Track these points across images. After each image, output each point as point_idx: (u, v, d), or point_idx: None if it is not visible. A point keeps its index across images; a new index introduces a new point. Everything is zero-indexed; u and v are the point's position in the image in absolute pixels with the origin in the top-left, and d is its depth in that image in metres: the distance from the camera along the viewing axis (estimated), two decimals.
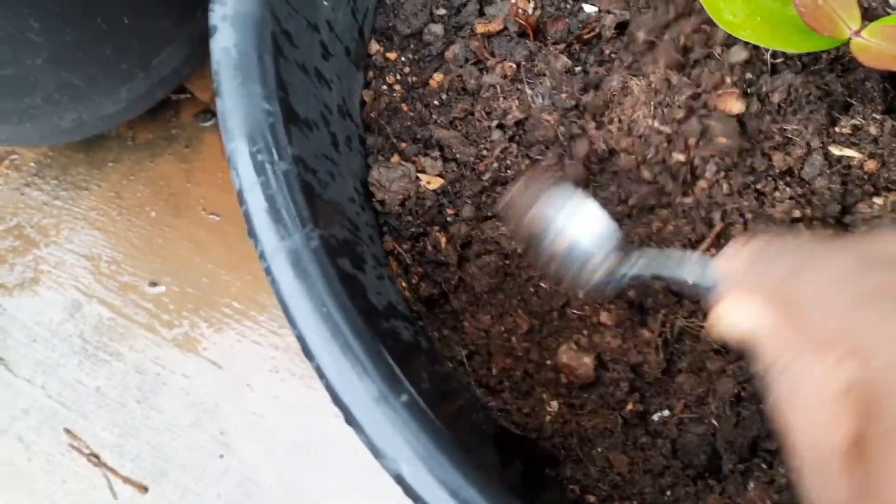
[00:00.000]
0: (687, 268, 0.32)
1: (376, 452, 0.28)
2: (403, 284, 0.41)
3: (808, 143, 0.40)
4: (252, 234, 0.30)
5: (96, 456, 0.71)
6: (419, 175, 0.42)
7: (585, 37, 0.44)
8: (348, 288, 0.30)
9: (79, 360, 0.74)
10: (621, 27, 0.45)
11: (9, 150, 0.80)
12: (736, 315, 0.29)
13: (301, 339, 0.29)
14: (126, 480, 0.71)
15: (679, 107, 0.40)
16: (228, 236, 0.77)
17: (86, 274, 0.76)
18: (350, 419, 0.28)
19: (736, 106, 0.40)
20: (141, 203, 0.78)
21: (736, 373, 0.40)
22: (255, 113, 0.30)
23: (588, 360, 0.41)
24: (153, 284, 0.75)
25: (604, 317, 0.42)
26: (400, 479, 0.27)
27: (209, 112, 0.80)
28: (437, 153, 0.43)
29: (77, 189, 0.79)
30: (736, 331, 0.29)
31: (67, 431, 0.72)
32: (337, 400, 0.28)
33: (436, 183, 0.42)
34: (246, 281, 0.75)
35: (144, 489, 0.70)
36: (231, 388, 0.72)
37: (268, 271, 0.30)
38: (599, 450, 0.40)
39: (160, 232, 0.77)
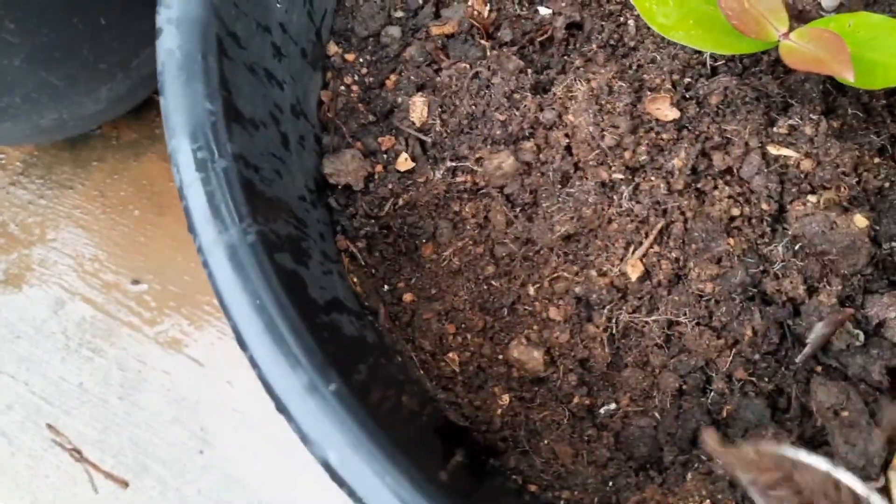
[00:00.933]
0: None
1: (304, 439, 0.29)
2: (355, 280, 0.42)
3: (746, 143, 0.40)
4: (191, 228, 0.31)
5: (78, 451, 0.72)
6: (395, 158, 0.43)
7: (539, 39, 0.45)
8: (285, 282, 0.31)
9: (62, 356, 0.75)
10: (574, 27, 0.46)
11: None
12: None
13: (235, 331, 0.30)
14: (107, 475, 0.72)
15: (619, 114, 0.41)
16: None
17: (69, 272, 0.77)
18: (280, 407, 0.29)
19: (671, 112, 0.41)
20: (125, 202, 0.80)
21: (677, 366, 0.41)
22: (197, 111, 0.32)
23: (538, 355, 0.42)
24: (136, 282, 0.77)
25: (552, 312, 0.43)
26: (327, 466, 0.28)
27: None
28: (399, 144, 0.44)
29: (62, 188, 0.80)
30: None
31: (50, 427, 0.73)
32: (268, 389, 0.29)
33: (406, 166, 0.43)
34: None
35: (125, 484, 0.72)
36: (212, 384, 0.73)
37: (205, 265, 0.31)
38: (546, 442, 0.41)
39: (143, 230, 0.78)
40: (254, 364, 0.29)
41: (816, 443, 0.38)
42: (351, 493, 0.28)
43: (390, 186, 0.43)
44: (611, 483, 0.40)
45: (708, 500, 0.38)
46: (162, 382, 0.74)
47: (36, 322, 0.76)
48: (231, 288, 0.30)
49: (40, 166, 0.81)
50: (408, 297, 0.44)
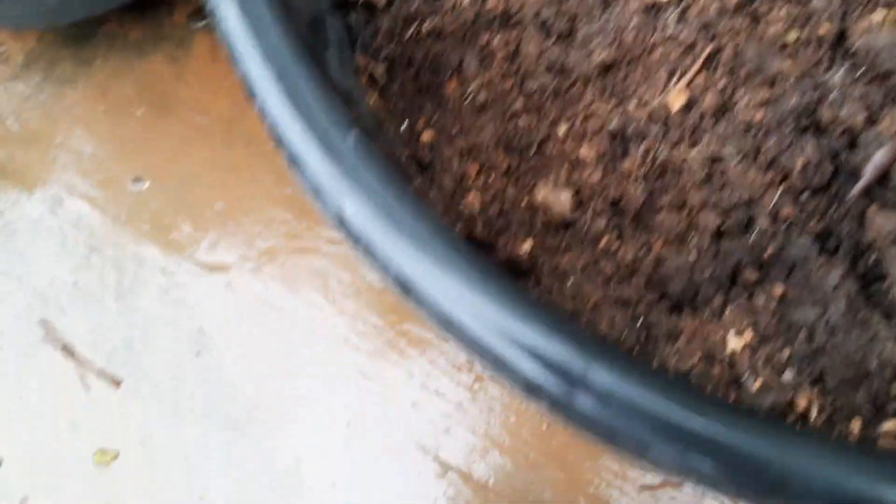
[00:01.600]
0: None
1: (317, 190, 0.25)
2: (372, 101, 0.39)
3: None
4: None
5: (70, 349, 0.70)
6: None
7: None
8: (303, 43, 0.28)
9: (57, 254, 0.72)
10: None
11: None
12: None
13: (244, 78, 0.27)
14: (99, 374, 0.69)
15: None
16: (216, 139, 0.75)
17: (69, 169, 0.75)
18: (292, 157, 0.26)
19: None
20: (128, 101, 0.77)
21: (718, 204, 0.38)
22: None
23: (565, 196, 0.39)
24: (137, 181, 0.74)
25: (584, 151, 0.40)
26: (341, 221, 0.25)
27: (202, 14, 0.79)
28: None
29: (63, 84, 0.78)
30: None
31: (42, 324, 0.71)
32: (279, 139, 0.26)
33: None
34: (231, 183, 0.73)
35: (117, 384, 0.69)
36: (211, 288, 0.71)
37: (212, 12, 0.28)
38: (571, 281, 0.38)
39: (146, 131, 0.76)
40: (263, 113, 0.26)
41: (869, 279, 0.35)
42: (367, 250, 0.25)
43: (414, 7, 0.40)
44: (641, 319, 0.37)
45: (750, 329, 0.35)
46: (159, 284, 0.71)
47: (33, 218, 0.74)
48: (242, 30, 0.27)
49: (42, 61, 0.79)
50: (427, 135, 0.41)
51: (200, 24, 0.79)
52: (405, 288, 0.25)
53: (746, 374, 0.34)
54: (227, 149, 0.75)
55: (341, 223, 0.25)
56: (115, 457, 0.67)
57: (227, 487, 0.66)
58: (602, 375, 0.23)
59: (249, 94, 0.27)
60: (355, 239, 0.25)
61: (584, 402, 0.23)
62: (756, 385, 0.34)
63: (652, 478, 0.57)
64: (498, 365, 0.24)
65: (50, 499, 0.66)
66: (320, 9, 0.36)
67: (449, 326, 0.24)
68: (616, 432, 0.23)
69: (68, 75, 0.78)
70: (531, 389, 0.24)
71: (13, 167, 0.75)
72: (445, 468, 0.65)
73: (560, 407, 0.23)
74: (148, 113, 0.76)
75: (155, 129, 0.76)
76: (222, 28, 0.27)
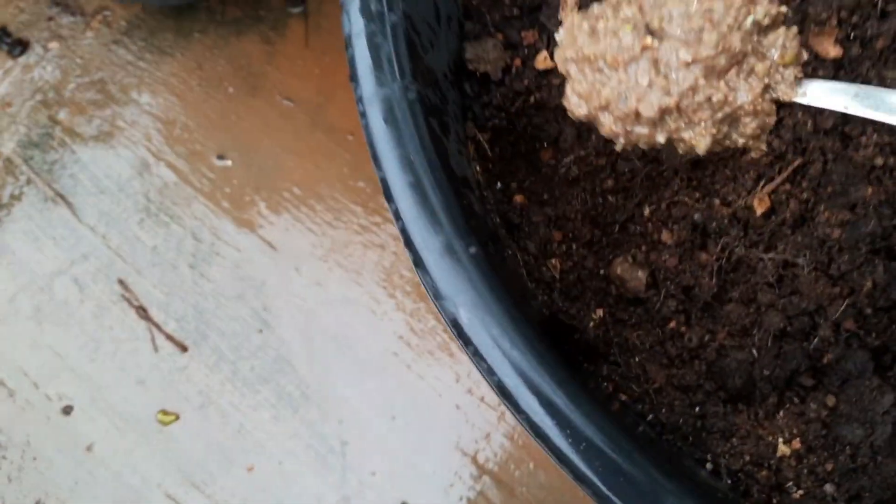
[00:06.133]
0: None
1: (437, 295, 0.29)
2: (478, 169, 0.42)
3: None
4: (353, 77, 0.31)
5: (144, 310, 0.74)
6: (535, 54, 0.42)
7: None
8: (435, 145, 0.31)
9: (140, 217, 0.76)
10: None
11: (103, 5, 0.81)
12: None
13: (384, 182, 0.30)
14: (168, 337, 0.74)
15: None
16: (299, 124, 0.78)
17: (158, 136, 0.78)
18: (418, 261, 0.29)
19: (833, 49, 0.40)
20: (220, 77, 0.80)
21: (786, 307, 0.40)
22: None
23: (641, 275, 0.42)
24: (221, 157, 0.77)
25: (665, 235, 0.42)
26: (455, 323, 0.29)
27: None
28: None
29: (161, 54, 0.81)
30: None
31: (121, 282, 0.75)
32: (409, 243, 0.30)
33: (544, 65, 0.42)
34: (309, 169, 0.77)
35: (184, 348, 0.73)
36: (279, 268, 0.74)
37: (363, 115, 0.31)
38: (637, 359, 0.41)
39: (234, 109, 0.79)
40: (397, 217, 0.30)
41: None
42: (475, 353, 0.28)
43: (526, 82, 0.42)
44: (698, 408, 0.40)
45: (798, 439, 0.38)
46: (233, 258, 0.75)
47: (120, 180, 0.77)
48: (385, 140, 0.30)
49: (144, 29, 0.82)
50: (519, 198, 0.44)
51: (297, 8, 0.81)
52: (504, 394, 0.28)
53: (790, 482, 0.37)
54: (308, 135, 0.78)
55: (455, 326, 0.28)
56: (176, 419, 0.72)
57: (275, 461, 0.70)
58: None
59: (387, 196, 0.30)
60: (465, 342, 0.28)
61: None
62: (798, 494, 0.37)
63: None
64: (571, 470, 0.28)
65: (112, 449, 0.72)
66: (445, 78, 0.39)
67: (538, 434, 0.28)
68: None
69: (167, 46, 0.81)
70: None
71: (108, 129, 0.79)
72: (482, 471, 0.69)
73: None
74: (238, 91, 0.79)
75: (243, 108, 0.79)
76: (368, 132, 0.30)
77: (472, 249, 0.29)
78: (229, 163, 0.78)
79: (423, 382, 0.72)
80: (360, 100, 0.31)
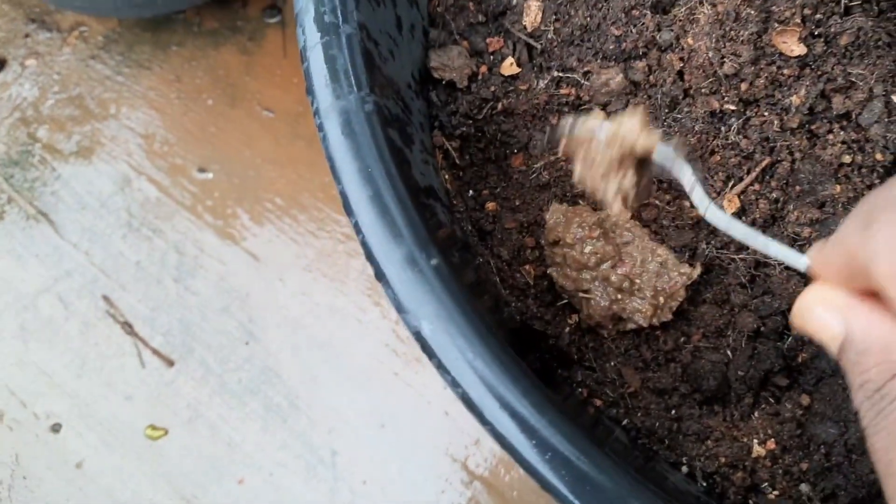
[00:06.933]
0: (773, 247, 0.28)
1: (400, 308, 0.29)
2: (446, 177, 0.41)
3: (870, 89, 0.39)
4: (309, 90, 0.31)
5: (130, 325, 0.74)
6: (500, 61, 0.42)
7: None
8: (394, 156, 0.31)
9: (123, 232, 0.76)
10: None
11: (79, 20, 0.81)
12: (822, 311, 0.23)
13: (343, 195, 0.30)
14: (155, 352, 0.73)
15: (742, 42, 0.40)
16: (279, 134, 0.78)
17: (139, 151, 0.78)
18: (379, 274, 0.29)
19: (797, 48, 0.40)
20: (199, 90, 0.80)
21: (759, 307, 0.40)
22: None
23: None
24: (202, 170, 0.77)
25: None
26: (419, 336, 0.28)
27: (276, 8, 0.81)
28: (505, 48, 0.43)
29: (140, 68, 0.81)
30: (821, 333, 0.24)
31: (105, 298, 0.75)
32: (370, 256, 0.29)
33: (510, 71, 0.42)
34: (291, 179, 0.76)
35: (171, 363, 0.73)
36: (264, 280, 0.74)
37: (320, 128, 0.30)
38: (612, 363, 0.41)
39: (214, 120, 0.79)
40: (357, 230, 0.29)
41: None
42: (439, 366, 0.28)
43: (493, 89, 0.42)
44: (674, 411, 0.40)
45: (773, 440, 0.38)
46: (217, 271, 0.75)
47: (102, 196, 0.77)
48: (343, 153, 0.30)
49: (121, 43, 0.82)
50: (491, 205, 0.44)
51: (274, 19, 0.81)
52: (469, 405, 0.28)
53: (766, 483, 0.37)
54: (289, 145, 0.78)
55: (419, 337, 0.28)
56: (165, 433, 0.72)
57: (265, 472, 0.70)
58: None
59: (346, 210, 0.30)
60: (429, 355, 0.28)
61: None
62: (773, 494, 0.36)
63: None
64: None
65: (103, 465, 0.71)
66: (409, 88, 0.39)
67: (504, 445, 0.28)
68: None
69: (145, 59, 0.81)
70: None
71: (88, 145, 0.78)
72: (472, 477, 0.69)
73: None
74: (217, 103, 0.79)
75: (222, 120, 0.79)
76: (326, 145, 0.30)
77: (434, 261, 0.29)
78: (210, 175, 0.78)
79: (412, 389, 0.72)
80: (316, 113, 0.31)
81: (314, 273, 0.74)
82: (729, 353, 0.40)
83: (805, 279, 0.39)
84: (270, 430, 0.71)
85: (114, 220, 0.77)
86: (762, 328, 0.40)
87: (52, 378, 0.73)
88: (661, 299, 0.40)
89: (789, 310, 0.40)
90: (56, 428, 0.72)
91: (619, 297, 0.40)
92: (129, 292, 0.75)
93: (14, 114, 0.79)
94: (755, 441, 0.38)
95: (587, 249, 0.40)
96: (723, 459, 0.37)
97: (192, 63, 0.81)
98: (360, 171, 0.29)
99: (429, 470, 0.69)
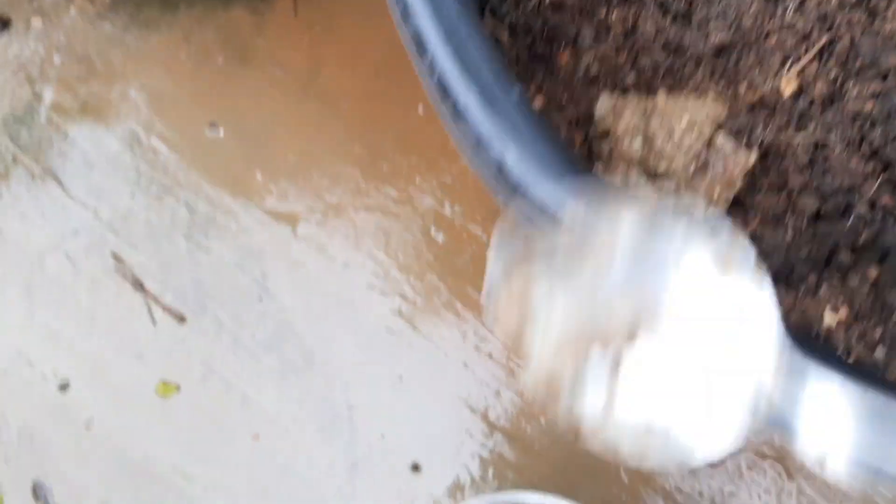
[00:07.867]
0: None
1: (479, 141, 0.28)
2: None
3: None
4: None
5: (140, 282, 0.72)
6: None
7: None
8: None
9: (132, 191, 0.74)
10: None
11: None
12: None
13: (416, 35, 0.29)
14: (166, 309, 0.72)
15: None
16: (290, 93, 0.77)
17: (147, 110, 0.77)
18: (457, 110, 0.28)
19: None
20: (209, 48, 0.79)
21: (819, 188, 0.40)
22: None
23: None
24: (213, 128, 0.76)
25: None
26: (501, 169, 0.27)
27: None
28: None
29: (147, 28, 0.79)
30: None
31: (114, 256, 0.73)
32: (445, 92, 0.28)
33: None
34: (303, 136, 0.75)
35: (183, 319, 0.71)
36: (278, 236, 0.73)
37: None
38: None
39: (225, 80, 0.78)
40: (432, 70, 0.28)
41: None
42: (525, 195, 0.27)
43: None
44: None
45: (846, 306, 0.37)
46: (229, 228, 0.73)
47: (110, 154, 0.76)
48: None
49: (129, 3, 0.81)
50: (538, 101, 0.43)
51: None
52: None
53: (840, 349, 0.36)
54: (301, 103, 0.77)
55: (500, 171, 0.27)
56: (177, 389, 0.70)
57: (281, 428, 0.68)
58: None
59: (419, 50, 0.29)
60: (514, 186, 0.27)
61: None
62: (850, 360, 0.36)
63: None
64: None
65: (113, 424, 0.69)
66: None
67: None
68: None
69: (153, 19, 0.80)
70: None
71: (95, 104, 0.77)
72: (493, 428, 0.68)
73: None
74: (227, 62, 0.78)
75: (233, 79, 0.78)
76: None
77: (514, 96, 0.28)
78: (221, 133, 0.76)
79: (429, 342, 0.70)
80: None
81: (328, 228, 0.73)
82: (790, 235, 0.39)
83: (867, 157, 0.39)
84: (286, 386, 0.69)
85: (122, 179, 0.75)
86: (823, 209, 0.39)
87: (60, 337, 0.71)
88: (717, 190, 0.39)
89: (851, 187, 0.40)
90: (64, 387, 0.70)
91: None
92: (138, 250, 0.73)
93: (20, 73, 0.78)
94: (827, 309, 0.37)
95: (637, 141, 0.39)
96: (792, 332, 0.37)
97: (202, 23, 0.80)
98: (434, 6, 0.29)
99: (448, 422, 0.68)
